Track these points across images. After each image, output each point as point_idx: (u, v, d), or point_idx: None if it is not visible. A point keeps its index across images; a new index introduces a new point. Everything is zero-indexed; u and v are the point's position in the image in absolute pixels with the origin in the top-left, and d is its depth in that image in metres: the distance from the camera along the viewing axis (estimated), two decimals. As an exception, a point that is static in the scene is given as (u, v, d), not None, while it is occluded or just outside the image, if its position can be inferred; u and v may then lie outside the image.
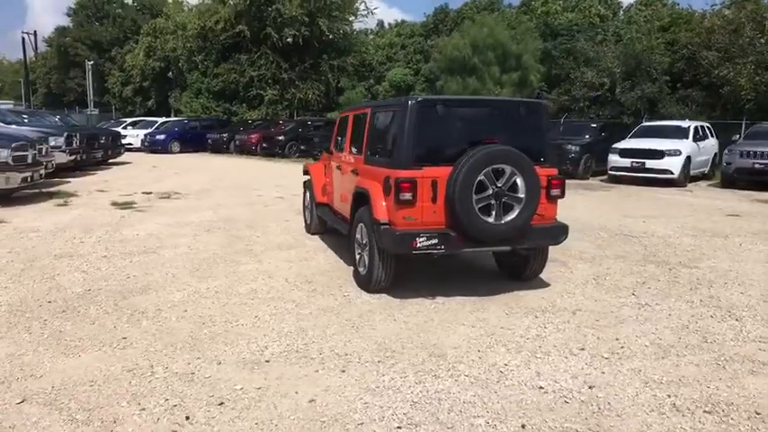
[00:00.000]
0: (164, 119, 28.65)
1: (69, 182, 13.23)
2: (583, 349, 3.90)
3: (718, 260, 6.57)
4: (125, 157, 20.98)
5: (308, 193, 7.73)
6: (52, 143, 13.36)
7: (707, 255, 6.85)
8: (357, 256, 5.30)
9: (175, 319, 4.33)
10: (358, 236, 5.27)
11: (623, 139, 15.75)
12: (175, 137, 25.19)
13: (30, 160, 9.92)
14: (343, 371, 3.48)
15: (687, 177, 14.70)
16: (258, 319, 4.37)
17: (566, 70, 23.31)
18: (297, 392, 3.19)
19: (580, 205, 10.95)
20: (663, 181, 14.35)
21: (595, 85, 21.34)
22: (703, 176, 15.98)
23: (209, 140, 24.96)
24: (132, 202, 10.22)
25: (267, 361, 3.61)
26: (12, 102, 29.39)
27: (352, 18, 31.38)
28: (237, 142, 23.78)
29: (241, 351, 3.75)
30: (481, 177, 4.49)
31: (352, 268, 5.58)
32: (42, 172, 10.48)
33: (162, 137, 25.04)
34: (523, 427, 2.88)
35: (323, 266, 6.02)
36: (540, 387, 3.31)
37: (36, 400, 3.06)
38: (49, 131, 13.60)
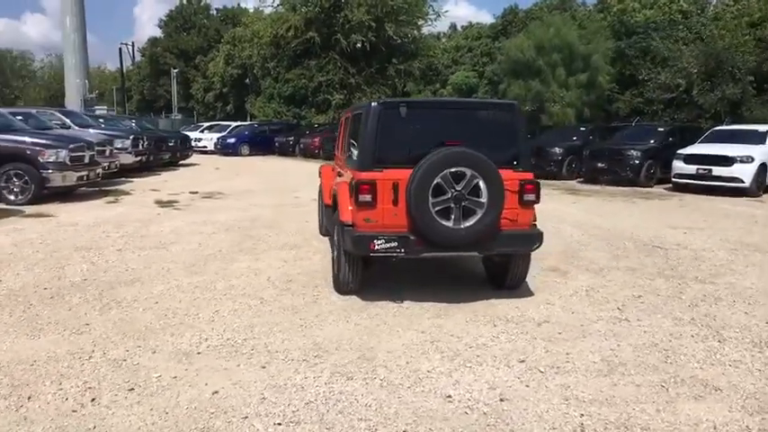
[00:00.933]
0: (236, 123, 30.10)
1: (132, 181, 14.25)
2: (522, 362, 3.74)
3: (742, 277, 6.02)
4: (195, 159, 22.29)
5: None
6: (119, 145, 14.50)
7: (734, 271, 6.29)
8: (334, 258, 5.37)
9: (142, 310, 4.59)
10: (335, 237, 5.34)
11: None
12: (245, 140, 26.39)
13: (87, 160, 10.80)
14: (264, 367, 3.56)
15: (762, 187, 13.44)
16: (217, 313, 4.55)
17: (639, 71, 22.09)
18: (206, 384, 3.30)
19: (624, 214, 10.41)
20: (732, 190, 13.23)
21: (670, 86, 20.07)
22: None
23: (277, 144, 25.95)
24: (175, 201, 10.86)
25: (199, 353, 3.76)
26: (105, 107, 31.97)
27: (421, 22, 31.50)
28: (302, 145, 24.55)
29: (181, 342, 3.93)
30: (438, 180, 4.41)
31: (337, 270, 5.64)
32: (99, 171, 11.37)
33: (232, 140, 26.33)
34: (404, 433, 2.82)
35: (314, 267, 6.13)
36: (449, 396, 3.22)
37: (-21, 375, 3.38)
38: (116, 134, 14.73)
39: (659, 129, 16.70)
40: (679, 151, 14.21)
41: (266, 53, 31.50)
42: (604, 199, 12.66)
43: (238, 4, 41.52)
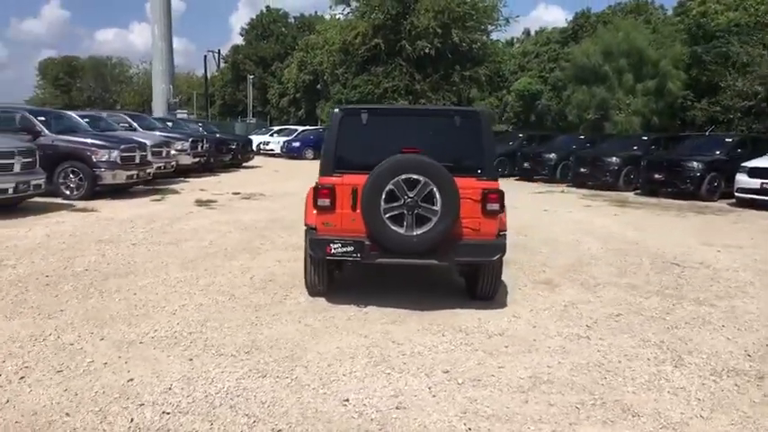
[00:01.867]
0: (303, 128, 31.06)
1: (188, 181, 15.11)
2: (446, 372, 3.69)
3: (752, 300, 5.57)
4: (259, 161, 23.27)
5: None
6: (178, 147, 15.44)
7: (747, 293, 5.82)
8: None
9: (118, 300, 4.93)
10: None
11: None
12: (309, 144, 27.18)
13: (137, 160, 11.62)
14: (191, 360, 3.74)
15: (833, 205, 12.20)
16: (182, 307, 4.80)
17: (716, 77, 20.64)
18: (129, 372, 3.53)
19: (665, 229, 9.84)
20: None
21: (748, 94, 18.60)
22: None
23: (339, 148, 26.48)
24: (214, 200, 11.43)
25: (141, 343, 4.01)
26: (186, 111, 34.18)
27: (491, 27, 31.08)
28: (361, 150, 24.92)
29: (132, 332, 4.20)
30: (391, 187, 4.43)
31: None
32: (150, 171, 12.19)
33: (297, 144, 27.23)
34: (279, 431, 2.89)
35: (302, 269, 6.27)
36: (346, 400, 3.25)
37: (-55, 349, 3.79)
38: (176, 136, 15.69)
39: (726, 139, 15.57)
40: (743, 164, 13.17)
41: (335, 60, 32.27)
42: (653, 212, 11.97)
43: (316, 12, 42.86)
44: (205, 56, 41.51)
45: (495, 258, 4.70)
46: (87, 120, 13.18)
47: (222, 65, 48.78)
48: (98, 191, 10.92)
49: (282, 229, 8.54)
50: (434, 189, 4.43)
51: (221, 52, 50.33)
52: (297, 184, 15.36)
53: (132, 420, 2.95)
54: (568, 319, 4.83)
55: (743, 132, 17.89)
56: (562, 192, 15.67)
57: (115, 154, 10.98)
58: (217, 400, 3.19)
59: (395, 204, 4.47)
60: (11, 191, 8.63)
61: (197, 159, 16.44)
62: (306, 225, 4.98)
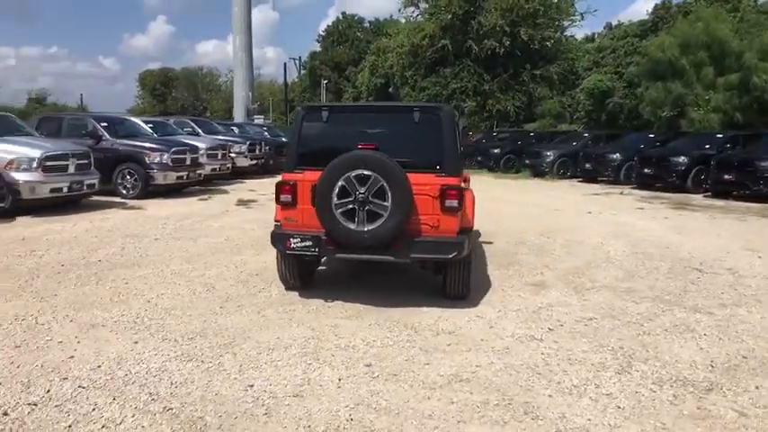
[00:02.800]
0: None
1: (243, 182, 15.86)
2: (368, 366, 3.71)
3: (760, 311, 5.08)
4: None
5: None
6: (236, 150, 16.26)
7: (761, 302, 5.33)
8: None
9: (108, 288, 5.35)
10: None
11: None
12: (374, 146, 27.53)
13: (188, 162, 12.40)
14: (136, 342, 4.02)
15: None
16: (160, 296, 5.13)
17: (812, 69, 18.66)
18: (75, 350, 3.85)
19: (713, 233, 9.13)
20: None
21: None
22: None
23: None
24: (254, 200, 11.96)
25: (104, 326, 4.34)
26: (263, 116, 35.75)
27: (567, 23, 29.98)
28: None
29: (101, 316, 4.55)
30: (342, 182, 4.49)
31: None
32: (201, 172, 12.96)
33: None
34: (168, 410, 3.06)
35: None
36: (251, 385, 3.37)
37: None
38: (234, 140, 16.53)
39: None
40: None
41: (405, 62, 32.45)
42: (710, 215, 11.09)
43: (391, 16, 43.27)
44: (285, 63, 43.62)
45: (451, 256, 4.62)
46: (152, 125, 14.21)
47: (303, 71, 50.58)
48: (151, 191, 11.76)
49: (303, 227, 8.79)
50: (385, 185, 4.44)
51: (301, 59, 52.28)
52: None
53: (48, 391, 3.24)
54: (533, 322, 4.66)
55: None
56: (621, 193, 14.84)
57: (166, 156, 11.78)
58: (133, 379, 3.42)
59: (346, 200, 4.53)
60: (65, 189, 9.53)
61: (254, 162, 17.20)
62: (275, 220, 5.15)
